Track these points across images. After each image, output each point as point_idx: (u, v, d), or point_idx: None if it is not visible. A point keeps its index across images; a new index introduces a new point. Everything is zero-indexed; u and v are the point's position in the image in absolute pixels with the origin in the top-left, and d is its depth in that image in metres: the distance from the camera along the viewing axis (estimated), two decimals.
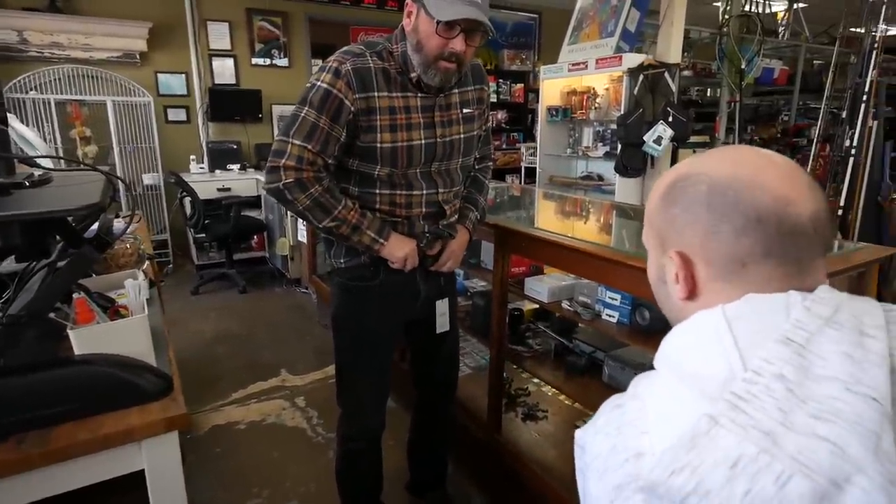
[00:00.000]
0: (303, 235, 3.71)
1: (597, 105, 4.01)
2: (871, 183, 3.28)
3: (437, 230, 1.44)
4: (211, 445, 2.24)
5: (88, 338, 0.98)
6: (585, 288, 1.68)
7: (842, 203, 3.38)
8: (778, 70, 4.63)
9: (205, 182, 4.42)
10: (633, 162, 3.55)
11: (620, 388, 1.76)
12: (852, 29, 4.23)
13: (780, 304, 0.49)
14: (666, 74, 3.39)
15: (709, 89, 4.40)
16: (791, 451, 0.41)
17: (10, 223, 0.92)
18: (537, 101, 4.79)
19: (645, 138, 3.42)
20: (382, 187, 1.36)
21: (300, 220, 3.65)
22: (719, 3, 4.43)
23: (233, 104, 4.92)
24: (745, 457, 0.41)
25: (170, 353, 1.18)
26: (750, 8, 4.07)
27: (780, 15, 4.97)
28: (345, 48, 1.31)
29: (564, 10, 4.84)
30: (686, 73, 4.03)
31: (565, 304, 1.72)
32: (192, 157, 4.74)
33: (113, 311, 1.09)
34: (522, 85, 6.40)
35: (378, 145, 1.30)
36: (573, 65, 3.90)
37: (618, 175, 3.66)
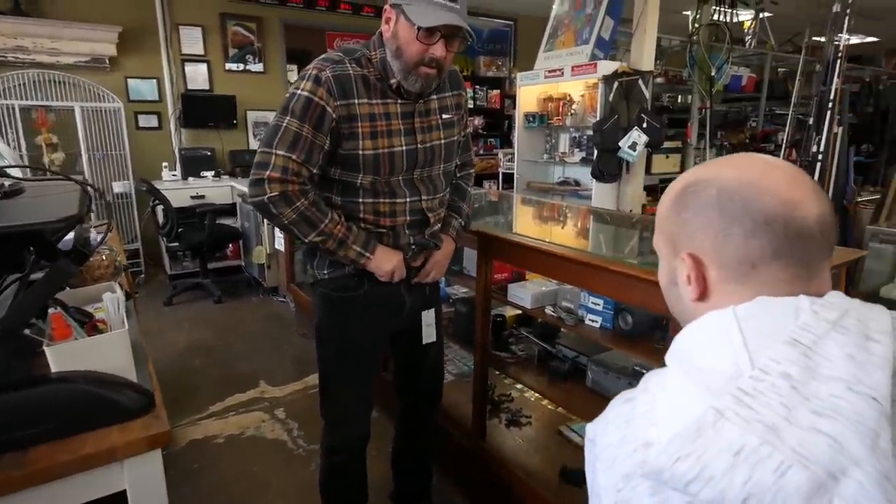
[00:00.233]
0: (280, 243, 3.66)
1: (573, 111, 4.06)
2: (836, 187, 3.40)
3: (422, 241, 1.44)
4: (189, 461, 2.18)
5: (66, 354, 0.94)
6: (568, 293, 1.70)
7: None
8: (746, 77, 4.77)
9: (178, 190, 4.33)
10: (610, 167, 3.61)
11: (604, 392, 1.77)
12: (815, 38, 4.38)
13: (790, 307, 0.51)
14: (640, 82, 3.46)
15: (679, 96, 4.51)
16: (792, 444, 0.43)
17: None
18: (514, 107, 4.83)
19: (620, 144, 3.47)
20: (366, 196, 1.35)
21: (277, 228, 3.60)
22: (689, 13, 4.55)
23: (206, 110, 4.84)
24: (747, 447, 0.43)
25: (149, 368, 1.14)
26: (719, 17, 4.18)
27: (747, 24, 5.12)
28: (323, 56, 1.30)
29: (539, 18, 4.90)
30: (658, 80, 4.12)
31: (549, 310, 1.73)
32: (164, 164, 4.64)
33: (90, 325, 1.06)
34: (499, 91, 6.46)
35: (360, 152, 1.29)
36: (549, 72, 3.95)
37: (594, 180, 3.72)
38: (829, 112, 3.21)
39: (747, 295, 0.53)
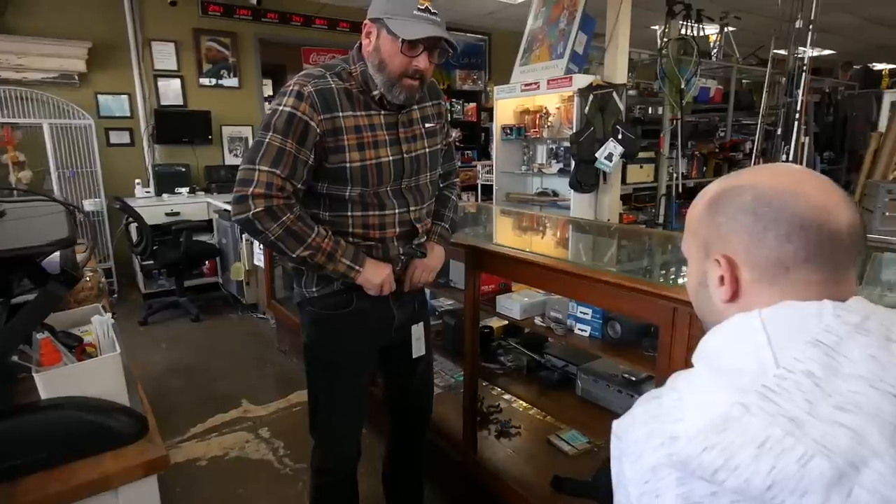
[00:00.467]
0: (259, 259, 3.61)
1: (549, 123, 4.13)
2: None
3: (410, 250, 1.44)
4: (171, 485, 2.12)
5: (56, 380, 0.91)
6: (557, 304, 1.72)
7: None
8: (713, 89, 4.91)
9: (152, 207, 4.25)
10: (587, 178, 3.67)
11: (594, 400, 1.79)
12: (776, 51, 4.56)
13: (814, 310, 0.53)
14: (615, 94, 3.54)
15: (650, 108, 4.63)
16: (814, 436, 0.45)
17: None
18: (490, 120, 4.87)
19: (597, 155, 3.54)
20: (355, 209, 1.34)
21: (256, 243, 3.56)
22: (657, 27, 4.68)
23: (180, 126, 4.77)
24: (771, 438, 0.46)
25: (140, 391, 1.12)
26: (686, 31, 4.31)
27: (713, 38, 5.29)
28: (304, 72, 1.31)
29: (512, 32, 4.99)
30: (631, 92, 4.21)
31: (538, 321, 1.74)
32: (137, 180, 4.54)
33: (80, 350, 1.03)
34: (475, 104, 6.53)
35: (348, 165, 1.29)
36: (525, 85, 4.02)
37: (573, 191, 3.78)
38: (796, 123, 3.34)
39: (776, 297, 0.56)
